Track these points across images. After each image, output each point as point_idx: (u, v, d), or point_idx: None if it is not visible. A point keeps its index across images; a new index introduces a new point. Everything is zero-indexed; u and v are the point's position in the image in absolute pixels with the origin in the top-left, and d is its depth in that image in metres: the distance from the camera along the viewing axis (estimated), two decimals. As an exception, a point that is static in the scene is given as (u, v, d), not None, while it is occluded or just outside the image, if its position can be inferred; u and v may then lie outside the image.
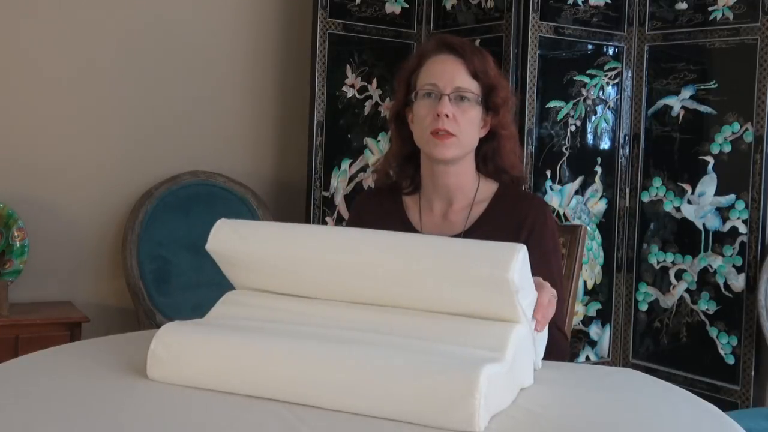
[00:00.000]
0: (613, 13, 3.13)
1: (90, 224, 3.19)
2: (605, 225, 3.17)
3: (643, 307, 3.15)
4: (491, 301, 1.25)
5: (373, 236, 1.35)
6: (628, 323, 3.19)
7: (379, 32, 3.32)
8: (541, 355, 1.41)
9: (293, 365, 1.21)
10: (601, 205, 3.17)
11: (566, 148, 3.09)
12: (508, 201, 1.73)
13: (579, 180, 3.12)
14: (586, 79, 3.10)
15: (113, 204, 3.22)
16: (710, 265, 2.96)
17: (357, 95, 3.31)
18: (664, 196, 3.09)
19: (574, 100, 3.09)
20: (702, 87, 3.00)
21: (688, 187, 3.02)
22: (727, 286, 2.91)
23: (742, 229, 2.87)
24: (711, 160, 2.95)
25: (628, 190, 3.19)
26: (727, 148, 2.92)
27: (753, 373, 2.84)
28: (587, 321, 3.16)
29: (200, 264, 3.21)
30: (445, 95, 1.65)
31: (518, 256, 1.20)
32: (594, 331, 3.18)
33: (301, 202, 3.35)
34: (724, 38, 2.93)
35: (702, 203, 2.98)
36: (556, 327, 1.57)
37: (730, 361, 2.89)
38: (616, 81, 3.16)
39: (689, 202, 3.01)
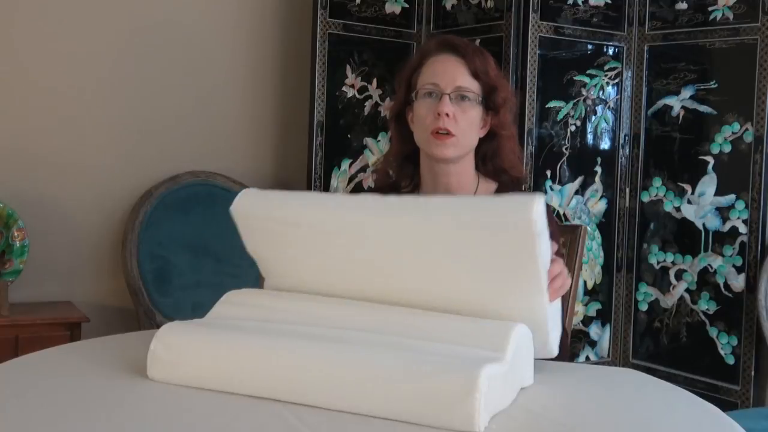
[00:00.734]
0: (613, 13, 3.13)
1: (90, 224, 3.19)
2: (605, 225, 3.17)
3: (643, 307, 3.15)
4: (511, 246, 1.25)
5: (395, 199, 1.39)
6: (628, 323, 3.19)
7: (379, 32, 3.32)
8: (558, 334, 1.39)
9: (293, 365, 1.21)
10: (601, 205, 3.17)
11: (566, 148, 3.09)
12: None
13: (579, 180, 3.12)
14: (586, 79, 3.10)
15: (113, 204, 3.22)
16: (710, 265, 2.96)
17: (357, 95, 3.31)
18: (664, 196, 3.09)
19: (574, 100, 3.09)
20: (702, 87, 3.00)
21: (688, 187, 3.02)
22: (727, 286, 2.92)
23: (742, 229, 2.87)
24: (711, 160, 2.95)
25: (628, 190, 3.19)
26: (727, 148, 2.92)
27: (753, 373, 2.84)
28: (587, 321, 3.16)
29: (200, 264, 3.21)
30: (446, 95, 1.66)
31: (540, 199, 1.24)
32: (594, 331, 3.18)
33: (301, 202, 3.34)
34: (724, 38, 2.93)
35: (702, 203, 2.98)
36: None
37: (730, 361, 2.89)
38: (616, 81, 3.16)
39: (689, 202, 3.01)
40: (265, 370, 1.22)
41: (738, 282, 2.88)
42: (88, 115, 3.19)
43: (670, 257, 3.07)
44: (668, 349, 3.09)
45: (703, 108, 2.99)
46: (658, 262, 3.11)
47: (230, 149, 3.44)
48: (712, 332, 2.95)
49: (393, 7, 3.33)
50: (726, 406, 2.76)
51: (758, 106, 2.82)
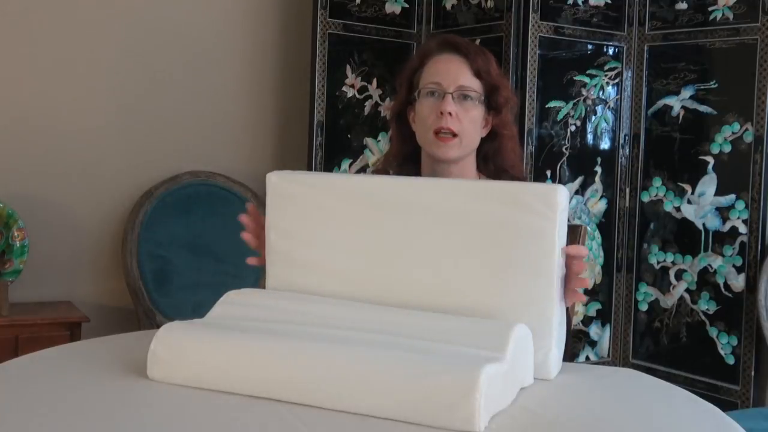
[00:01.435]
0: (613, 13, 3.13)
1: (90, 224, 3.19)
2: (605, 225, 3.17)
3: (643, 307, 3.15)
4: (531, 228, 1.33)
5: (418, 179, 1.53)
6: (628, 323, 3.19)
7: (379, 32, 3.32)
8: (559, 354, 1.41)
9: (293, 365, 1.21)
10: (601, 205, 3.17)
11: (566, 148, 3.09)
12: None
13: (579, 180, 3.12)
14: (586, 79, 3.10)
15: (113, 204, 3.22)
16: (710, 265, 2.96)
17: (357, 95, 3.31)
18: (664, 196, 3.09)
19: (574, 100, 3.09)
20: (702, 87, 3.00)
21: (688, 187, 3.02)
22: (727, 286, 2.91)
23: (742, 229, 2.87)
24: (711, 160, 2.95)
25: (628, 190, 3.19)
26: (727, 148, 2.92)
27: (753, 373, 2.84)
28: (587, 321, 3.16)
29: (200, 264, 3.21)
30: (449, 94, 1.66)
31: (563, 189, 1.35)
32: (594, 331, 3.18)
33: (301, 202, 3.34)
34: (724, 38, 2.93)
35: (702, 203, 2.98)
36: None
37: (730, 361, 2.89)
38: (616, 81, 3.16)
39: (689, 202, 3.01)
40: (265, 370, 1.22)
41: (738, 282, 2.88)
42: (88, 115, 3.19)
43: (670, 257, 3.07)
44: (668, 349, 3.09)
45: (703, 108, 2.99)
46: (658, 262, 3.11)
47: (230, 149, 3.44)
48: (712, 332, 2.95)
49: (393, 7, 3.33)
50: (726, 406, 2.76)
51: (758, 106, 2.82)
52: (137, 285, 3.09)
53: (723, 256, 2.92)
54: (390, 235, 1.42)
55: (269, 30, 3.50)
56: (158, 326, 1.36)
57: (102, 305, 3.20)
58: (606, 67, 3.14)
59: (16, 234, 2.93)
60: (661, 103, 3.11)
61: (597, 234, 3.16)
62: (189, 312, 2.83)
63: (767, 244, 2.85)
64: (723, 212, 2.92)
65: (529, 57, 2.98)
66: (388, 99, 3.32)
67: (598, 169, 3.16)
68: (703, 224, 2.98)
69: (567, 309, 1.45)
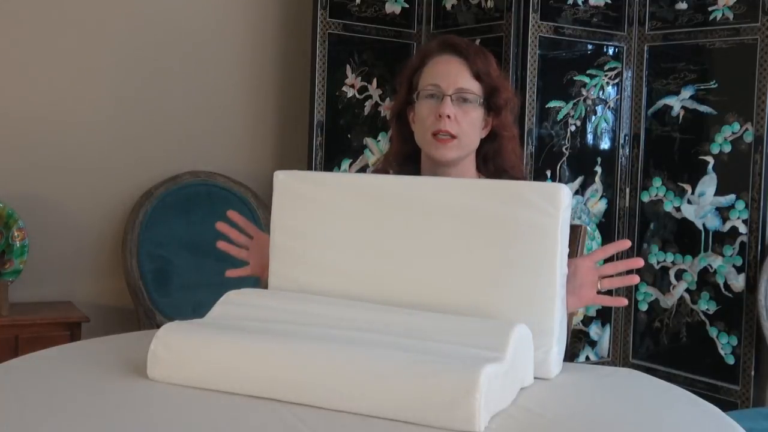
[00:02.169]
0: (613, 13, 3.13)
1: (90, 224, 3.19)
2: (605, 225, 3.17)
3: (643, 307, 3.15)
4: (534, 230, 1.35)
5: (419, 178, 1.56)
6: (628, 323, 3.19)
7: (379, 32, 3.32)
8: (561, 351, 1.42)
9: (293, 365, 1.21)
10: (601, 205, 3.17)
11: (566, 148, 3.09)
12: None
13: (579, 180, 3.12)
14: (586, 79, 3.10)
15: (113, 204, 3.22)
16: (710, 265, 2.96)
17: (357, 95, 3.31)
18: (664, 196, 3.09)
19: (574, 100, 3.09)
20: (702, 87, 3.00)
21: (688, 187, 3.02)
22: (727, 286, 2.91)
23: (742, 229, 2.87)
24: (711, 160, 2.95)
25: (628, 190, 3.19)
26: (727, 148, 2.92)
27: (753, 373, 2.84)
28: (587, 321, 3.16)
29: (200, 264, 3.21)
30: (447, 96, 1.65)
31: (566, 189, 1.37)
32: (594, 331, 3.18)
33: (301, 202, 3.34)
34: (724, 38, 2.93)
35: (702, 203, 2.98)
36: None
37: (730, 361, 2.89)
38: (616, 81, 3.16)
39: (689, 202, 3.01)
40: (265, 370, 1.22)
41: (738, 282, 2.88)
42: (88, 115, 3.19)
43: (670, 257, 3.07)
44: (668, 349, 3.09)
45: (703, 108, 2.99)
46: (658, 262, 3.11)
47: (230, 149, 3.44)
48: (712, 332, 2.95)
49: (393, 7, 3.33)
50: (726, 406, 2.76)
51: (758, 106, 2.82)
52: (137, 285, 3.09)
53: (723, 256, 2.92)
54: (394, 233, 1.43)
55: (269, 30, 3.50)
56: (158, 326, 1.36)
57: (102, 305, 3.20)
58: (606, 67, 3.14)
59: (16, 234, 2.93)
60: (661, 103, 3.11)
61: (597, 234, 3.16)
62: (189, 312, 2.83)
63: (767, 244, 2.85)
64: (723, 212, 2.92)
65: (529, 57, 2.98)
66: (388, 99, 3.32)
67: (598, 169, 3.16)
68: (703, 224, 2.98)
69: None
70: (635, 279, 1.55)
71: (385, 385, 1.15)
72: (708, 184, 2.96)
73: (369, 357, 1.19)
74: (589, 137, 3.15)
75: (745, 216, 2.86)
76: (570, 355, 2.68)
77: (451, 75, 1.67)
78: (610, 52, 3.15)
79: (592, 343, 3.18)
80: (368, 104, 3.33)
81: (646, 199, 3.15)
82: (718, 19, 2.94)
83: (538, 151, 3.04)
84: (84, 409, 1.17)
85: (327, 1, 3.21)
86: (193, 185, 3.29)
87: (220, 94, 3.41)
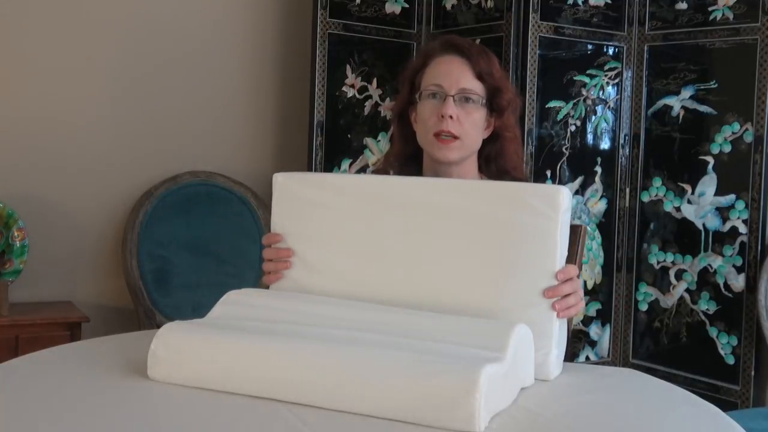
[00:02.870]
0: (613, 13, 3.13)
1: (90, 224, 3.19)
2: (605, 225, 3.17)
3: (643, 307, 3.15)
4: (534, 231, 1.35)
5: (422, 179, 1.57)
6: (628, 323, 3.19)
7: (379, 32, 3.32)
8: (561, 354, 1.41)
9: (293, 365, 1.21)
10: (601, 205, 3.17)
11: (566, 148, 3.09)
12: None
13: (579, 180, 3.12)
14: (586, 79, 3.10)
15: (113, 204, 3.22)
16: (710, 265, 2.95)
17: (357, 95, 3.31)
18: (664, 196, 3.09)
19: (574, 100, 3.09)
20: (702, 87, 3.00)
21: (688, 187, 3.02)
22: (727, 286, 2.91)
23: (742, 229, 2.87)
24: (711, 160, 2.95)
25: (628, 190, 3.19)
26: (727, 148, 2.92)
27: (753, 373, 2.84)
28: (587, 321, 3.16)
29: (200, 264, 3.21)
30: (450, 96, 1.65)
31: (566, 190, 1.37)
32: (594, 331, 3.18)
33: (301, 202, 3.34)
34: (724, 38, 2.93)
35: (702, 203, 2.98)
36: None
37: (730, 361, 2.89)
38: (616, 81, 3.16)
39: (689, 202, 3.01)
40: (265, 370, 1.22)
41: (738, 282, 2.88)
42: (88, 115, 3.19)
43: (670, 257, 3.07)
44: (668, 349, 3.09)
45: (703, 108, 2.99)
46: (658, 262, 3.11)
47: (230, 149, 3.44)
48: (712, 332, 2.95)
49: (393, 7, 3.33)
50: (726, 406, 2.76)
51: (758, 106, 2.82)
52: (137, 285, 3.09)
53: (723, 256, 2.92)
54: (393, 234, 1.43)
55: (269, 30, 3.50)
56: (158, 326, 1.36)
57: (102, 305, 3.20)
58: (606, 67, 3.14)
59: (16, 234, 2.93)
60: (661, 103, 3.11)
61: (597, 234, 3.16)
62: (189, 312, 2.83)
63: (767, 244, 2.85)
64: (723, 212, 2.92)
65: (529, 57, 2.98)
66: (388, 99, 3.32)
67: (598, 169, 3.16)
68: (703, 224, 2.98)
69: None
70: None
71: (385, 385, 1.15)
72: (708, 184, 2.96)
73: (369, 357, 1.19)
74: (589, 137, 3.15)
75: (745, 216, 2.86)
76: (570, 355, 2.67)
77: (453, 75, 1.67)
78: (610, 52, 3.15)
79: (592, 343, 3.18)
80: (368, 104, 3.33)
81: (646, 199, 3.15)
82: (718, 19, 2.94)
83: (538, 151, 3.04)
84: (84, 409, 1.17)
85: (327, 1, 3.20)
86: (193, 185, 3.29)
87: (220, 94, 3.41)
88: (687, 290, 3.02)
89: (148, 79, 3.27)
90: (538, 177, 3.03)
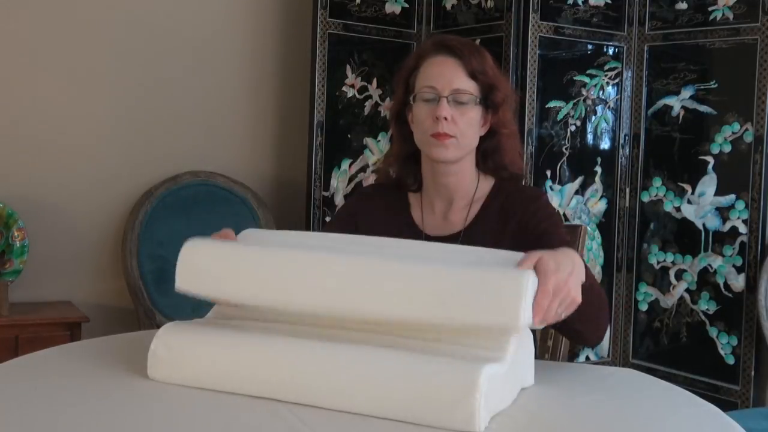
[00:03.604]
0: (613, 13, 3.13)
1: (90, 224, 3.19)
2: (605, 225, 3.17)
3: (643, 307, 3.15)
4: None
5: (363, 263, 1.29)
6: (628, 323, 3.19)
7: (379, 32, 3.32)
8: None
9: (293, 365, 1.21)
10: (601, 205, 3.17)
11: (566, 148, 3.09)
12: (503, 196, 1.73)
13: (579, 180, 3.12)
14: (586, 79, 3.10)
15: (113, 204, 3.22)
16: (710, 265, 2.95)
17: (357, 95, 3.31)
18: (664, 196, 3.09)
19: (574, 100, 3.09)
20: (702, 87, 3.00)
21: (688, 187, 3.02)
22: (727, 286, 2.91)
23: (742, 229, 2.87)
24: (711, 160, 2.95)
25: (628, 190, 3.19)
26: (727, 148, 2.92)
27: (753, 373, 2.84)
28: (587, 321, 3.16)
29: (200, 264, 3.21)
30: (444, 98, 1.65)
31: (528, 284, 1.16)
32: (594, 331, 3.18)
33: (301, 202, 3.35)
34: (724, 38, 2.93)
35: (702, 203, 2.98)
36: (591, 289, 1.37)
37: (730, 361, 2.89)
38: (616, 81, 3.16)
39: (689, 202, 3.01)
40: (265, 370, 1.22)
41: (738, 282, 2.88)
42: (88, 115, 3.19)
43: (670, 257, 3.07)
44: (668, 349, 3.09)
45: (703, 108, 2.99)
46: (658, 262, 3.11)
47: (230, 149, 3.44)
48: (712, 332, 2.95)
49: (393, 7, 3.33)
50: (726, 406, 2.76)
51: (758, 106, 2.82)
52: (137, 285, 3.09)
53: (723, 256, 2.92)
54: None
55: (269, 30, 3.50)
56: (158, 326, 1.36)
57: (102, 305, 3.20)
58: (606, 67, 3.14)
59: (16, 234, 2.93)
60: (661, 103, 3.11)
61: (597, 234, 3.16)
62: (189, 312, 2.82)
63: (767, 244, 2.85)
64: (723, 212, 2.92)
65: (529, 57, 2.98)
66: (388, 99, 3.32)
67: (598, 169, 3.16)
68: (703, 224, 2.98)
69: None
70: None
71: (385, 385, 1.15)
72: (708, 184, 2.96)
73: (369, 357, 1.19)
74: (589, 137, 3.15)
75: (745, 216, 2.86)
76: (570, 355, 2.68)
77: (446, 76, 1.66)
78: (610, 52, 3.15)
79: (592, 343, 3.18)
80: (368, 104, 3.33)
81: (646, 199, 3.15)
82: (718, 19, 2.94)
83: (538, 151, 3.04)
84: (84, 409, 1.17)
85: (327, 1, 3.21)
86: (193, 185, 3.29)
87: (220, 94, 3.41)
88: (687, 290, 3.02)
89: (149, 80, 3.27)
90: (538, 177, 3.03)
